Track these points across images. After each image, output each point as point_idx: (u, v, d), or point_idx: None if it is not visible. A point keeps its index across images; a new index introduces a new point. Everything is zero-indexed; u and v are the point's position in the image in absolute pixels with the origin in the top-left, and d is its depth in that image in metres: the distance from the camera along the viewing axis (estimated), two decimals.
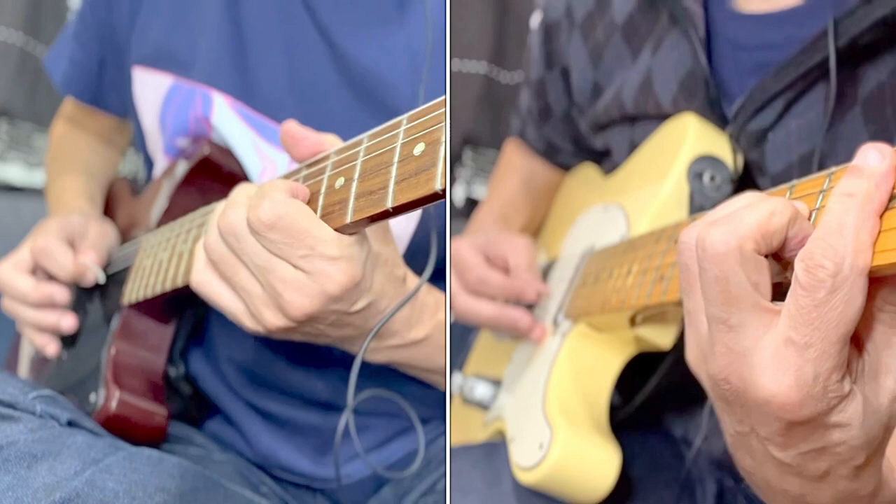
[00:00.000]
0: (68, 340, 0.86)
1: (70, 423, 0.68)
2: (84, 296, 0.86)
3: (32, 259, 0.83)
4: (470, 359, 1.01)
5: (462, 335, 1.03)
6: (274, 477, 0.83)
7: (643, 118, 0.79)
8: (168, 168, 0.83)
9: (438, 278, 0.73)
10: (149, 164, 0.89)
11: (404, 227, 0.73)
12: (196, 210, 0.72)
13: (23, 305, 0.83)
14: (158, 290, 0.72)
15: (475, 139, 1.54)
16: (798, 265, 0.40)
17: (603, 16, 0.85)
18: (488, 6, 1.51)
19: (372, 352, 0.66)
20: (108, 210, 0.98)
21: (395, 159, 0.52)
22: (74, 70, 0.95)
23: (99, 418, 0.74)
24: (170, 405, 0.79)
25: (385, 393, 0.70)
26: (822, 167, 0.63)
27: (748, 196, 0.45)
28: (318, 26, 0.76)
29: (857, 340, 0.42)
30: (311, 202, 0.57)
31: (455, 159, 1.54)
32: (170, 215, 0.79)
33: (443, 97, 0.52)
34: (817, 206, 0.43)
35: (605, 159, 0.90)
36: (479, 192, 1.55)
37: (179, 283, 0.68)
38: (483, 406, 0.85)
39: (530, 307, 0.83)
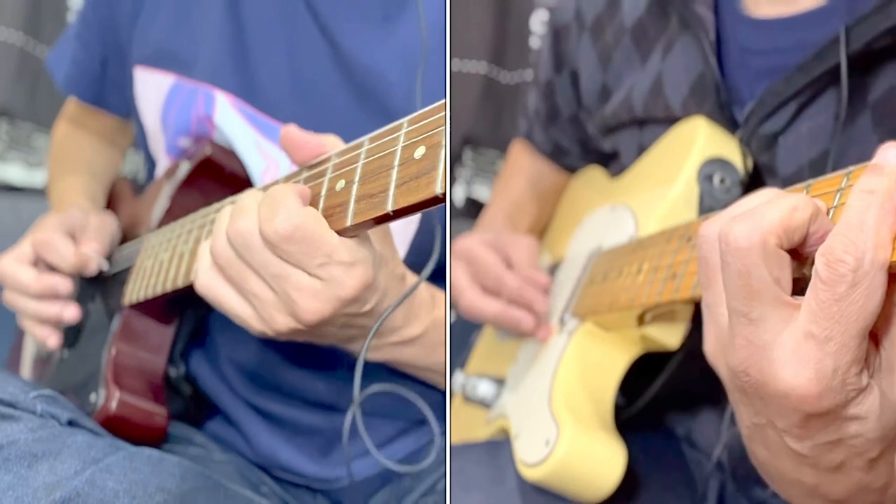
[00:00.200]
0: (69, 340, 0.86)
1: (70, 423, 0.68)
2: (85, 296, 0.86)
3: (34, 252, 0.83)
4: (471, 358, 1.01)
5: (463, 334, 1.03)
6: (274, 477, 0.83)
7: (652, 121, 0.79)
8: (170, 168, 0.83)
9: (438, 278, 0.73)
10: (150, 163, 0.89)
11: (405, 229, 0.74)
12: (198, 210, 0.72)
13: (24, 297, 0.83)
14: (159, 290, 0.72)
15: (475, 139, 1.54)
16: (819, 260, 0.40)
17: (613, 19, 0.86)
18: (488, 6, 1.51)
19: (372, 350, 0.66)
20: (110, 210, 0.98)
21: (396, 162, 0.52)
22: (77, 70, 0.95)
23: (99, 418, 0.74)
24: (170, 405, 0.79)
25: (391, 387, 0.69)
26: (833, 170, 0.63)
27: (767, 192, 0.46)
28: (320, 25, 0.76)
29: (874, 335, 0.42)
30: (311, 204, 0.57)
31: (455, 159, 1.54)
32: (171, 215, 0.79)
33: (443, 101, 0.52)
34: (834, 204, 0.44)
35: (612, 162, 0.90)
36: (480, 192, 1.55)
37: (180, 283, 0.68)
38: (485, 404, 0.85)
39: None
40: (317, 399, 0.80)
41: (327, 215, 0.56)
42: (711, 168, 0.70)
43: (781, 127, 0.67)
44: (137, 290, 0.76)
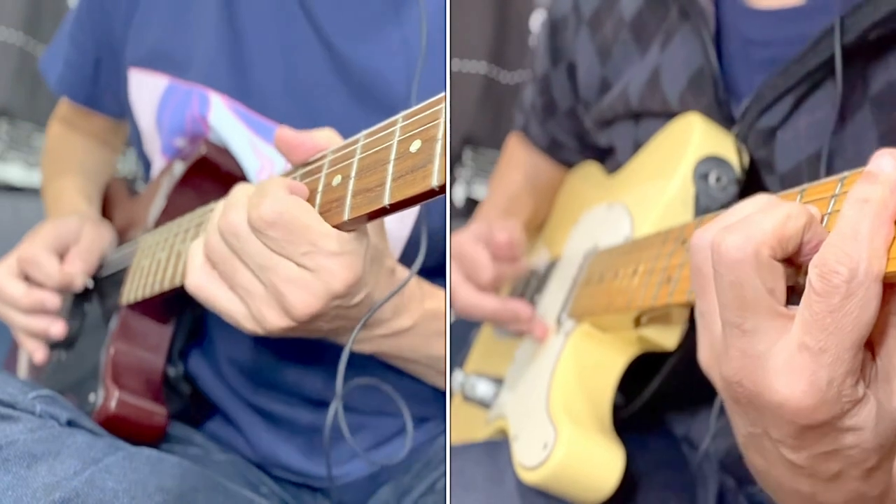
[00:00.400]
0: (67, 341, 0.86)
1: (70, 423, 0.68)
2: (82, 297, 0.86)
3: (19, 267, 0.84)
4: (470, 357, 1.01)
5: (462, 333, 1.03)
6: (274, 477, 0.83)
7: (648, 115, 0.79)
8: (165, 168, 0.83)
9: (439, 276, 0.73)
10: (146, 164, 0.89)
11: (400, 226, 0.74)
12: (194, 210, 0.72)
13: (14, 311, 0.83)
14: (157, 289, 0.72)
15: (475, 139, 1.54)
16: (812, 271, 0.40)
17: (611, 11, 0.85)
18: (488, 6, 1.51)
19: (360, 342, 0.66)
20: (106, 210, 0.98)
21: (392, 156, 0.52)
22: (69, 71, 0.95)
23: (98, 418, 0.74)
24: (169, 405, 0.79)
25: (370, 381, 0.69)
26: (830, 166, 0.63)
27: (760, 200, 0.45)
28: (315, 26, 0.76)
29: (869, 345, 0.42)
30: (308, 200, 0.57)
31: (455, 159, 1.54)
32: (168, 215, 0.79)
33: (440, 95, 0.52)
34: (829, 210, 0.43)
35: (608, 157, 0.90)
36: (480, 192, 1.55)
37: (177, 282, 0.68)
38: (484, 404, 0.85)
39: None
40: (316, 397, 0.80)
41: (324, 210, 0.56)
42: (707, 167, 0.70)
43: (779, 121, 0.67)
44: (135, 289, 0.76)
